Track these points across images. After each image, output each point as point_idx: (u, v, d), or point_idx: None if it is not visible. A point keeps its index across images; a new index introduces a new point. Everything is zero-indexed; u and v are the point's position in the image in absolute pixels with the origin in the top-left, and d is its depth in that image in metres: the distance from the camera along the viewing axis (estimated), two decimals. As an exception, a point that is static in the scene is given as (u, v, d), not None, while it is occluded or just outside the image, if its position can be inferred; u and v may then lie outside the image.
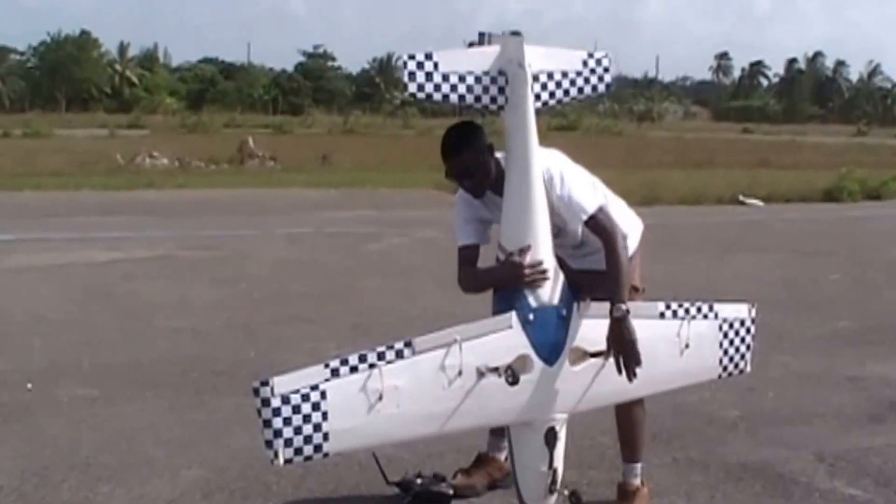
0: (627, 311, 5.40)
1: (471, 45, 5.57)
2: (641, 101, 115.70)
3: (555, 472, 5.47)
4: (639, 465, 6.35)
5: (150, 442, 7.52)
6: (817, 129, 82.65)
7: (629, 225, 6.22)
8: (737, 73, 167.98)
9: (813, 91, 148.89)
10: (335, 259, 16.80)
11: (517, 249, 5.33)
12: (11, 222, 20.47)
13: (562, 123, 76.05)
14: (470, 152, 5.70)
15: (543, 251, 5.36)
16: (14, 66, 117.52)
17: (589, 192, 5.76)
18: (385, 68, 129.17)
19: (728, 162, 38.97)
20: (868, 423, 8.16)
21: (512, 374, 5.05)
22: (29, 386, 8.96)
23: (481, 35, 5.37)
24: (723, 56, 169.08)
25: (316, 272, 15.36)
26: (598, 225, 5.64)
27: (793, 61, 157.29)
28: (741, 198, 27.34)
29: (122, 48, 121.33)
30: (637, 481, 6.33)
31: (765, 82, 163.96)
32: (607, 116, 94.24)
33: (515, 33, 5.36)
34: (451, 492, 6.35)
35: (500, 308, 5.31)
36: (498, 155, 5.79)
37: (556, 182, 5.59)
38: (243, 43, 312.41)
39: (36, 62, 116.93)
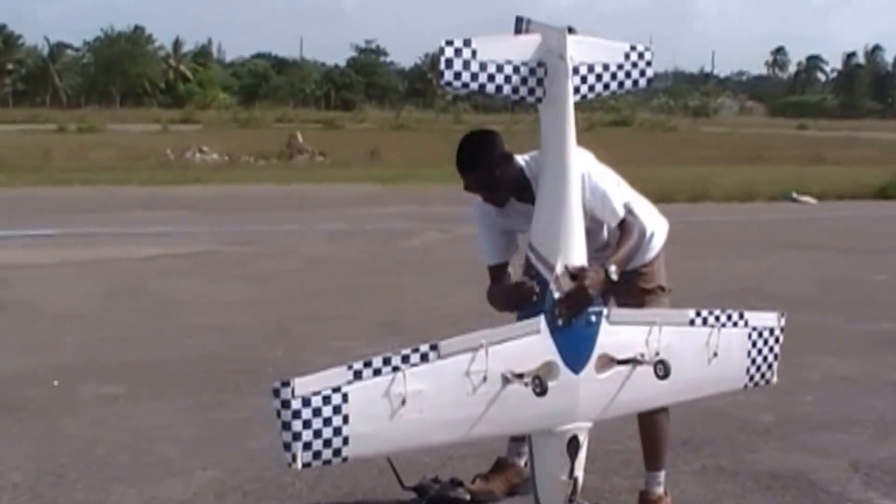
0: (613, 281, 5.17)
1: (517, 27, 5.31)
2: (697, 97, 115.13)
3: (575, 481, 5.28)
4: (662, 474, 6.09)
5: (168, 442, 7.41)
6: (875, 124, 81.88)
7: (655, 225, 6.03)
8: (793, 68, 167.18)
9: (871, 86, 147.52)
10: (372, 255, 16.72)
11: (556, 274, 5.11)
12: (57, 217, 20.55)
13: (615, 119, 75.92)
14: (486, 166, 5.55)
15: (578, 254, 5.13)
16: (70, 62, 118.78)
17: (618, 193, 5.59)
18: (437, 64, 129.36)
19: (781, 158, 38.61)
20: (909, 429, 7.90)
21: (539, 384, 4.84)
22: (56, 383, 8.91)
23: (518, 20, 5.12)
24: (778, 51, 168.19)
25: (351, 269, 15.26)
26: (627, 226, 5.48)
27: (851, 55, 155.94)
28: (793, 195, 26.93)
29: (176, 44, 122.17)
30: (660, 490, 6.08)
31: (822, 77, 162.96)
32: (662, 112, 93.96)
33: (570, 30, 5.11)
34: (467, 497, 6.18)
35: (527, 311, 5.11)
36: (519, 159, 5.63)
37: (590, 182, 5.40)
38: (296, 38, 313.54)
39: (91, 58, 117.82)
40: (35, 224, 19.24)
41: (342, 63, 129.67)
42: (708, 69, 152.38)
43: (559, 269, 5.01)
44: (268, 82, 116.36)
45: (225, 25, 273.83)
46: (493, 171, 5.52)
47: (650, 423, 6.02)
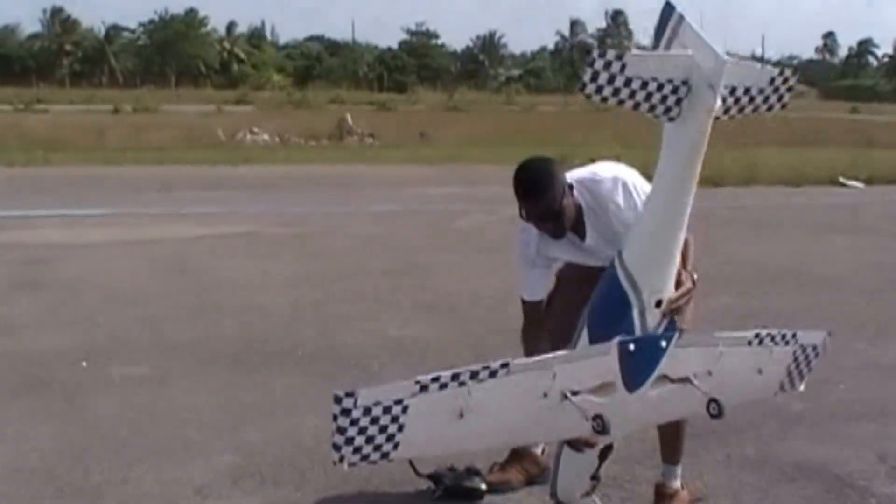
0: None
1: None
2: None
3: (598, 479, 5.23)
4: (679, 467, 5.95)
5: (191, 424, 7.37)
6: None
7: None
8: (843, 52, 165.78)
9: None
10: (417, 236, 16.65)
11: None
12: (107, 196, 20.78)
13: (671, 100, 75.60)
14: (551, 195, 5.23)
15: (670, 284, 5.00)
16: (126, 43, 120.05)
17: None
18: (488, 46, 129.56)
19: (832, 142, 38.21)
20: (942, 420, 7.73)
21: (601, 424, 4.74)
22: (84, 363, 8.91)
23: (668, 7, 4.82)
24: (829, 35, 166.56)
25: (395, 250, 15.19)
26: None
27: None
28: (841, 179, 26.64)
29: (230, 26, 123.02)
30: (677, 483, 5.93)
31: (873, 62, 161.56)
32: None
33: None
34: (483, 486, 6.09)
35: (599, 330, 4.94)
36: (572, 184, 5.36)
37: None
38: (348, 21, 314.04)
39: (146, 40, 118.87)
40: (84, 203, 19.38)
41: (394, 46, 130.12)
42: (759, 53, 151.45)
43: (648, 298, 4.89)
44: (321, 64, 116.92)
45: (278, 8, 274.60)
46: (558, 198, 5.24)
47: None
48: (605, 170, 5.46)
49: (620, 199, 5.32)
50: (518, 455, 6.31)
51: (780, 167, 27.49)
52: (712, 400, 4.79)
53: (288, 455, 6.73)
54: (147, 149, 30.73)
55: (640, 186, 5.36)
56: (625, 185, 5.35)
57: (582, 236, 5.37)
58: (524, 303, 5.62)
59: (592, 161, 5.75)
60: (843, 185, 26.31)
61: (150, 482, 6.30)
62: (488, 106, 68.47)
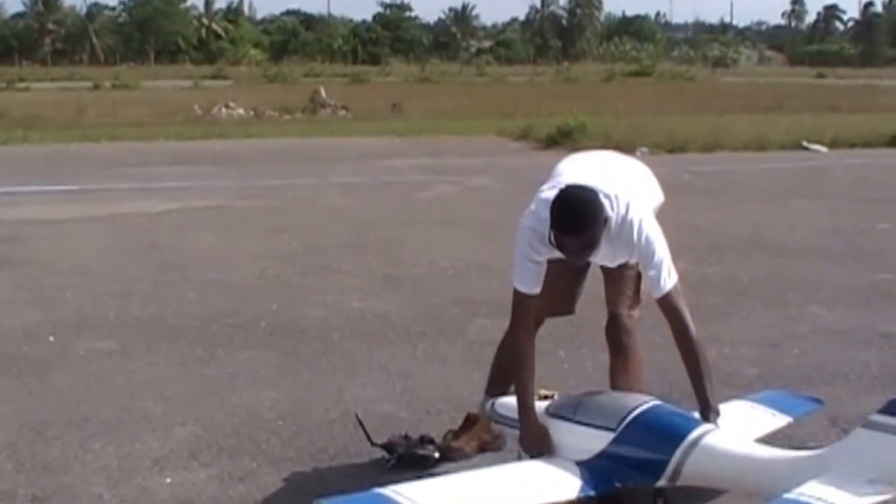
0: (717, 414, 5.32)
1: None
2: (716, 47, 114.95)
3: None
4: None
5: (153, 397, 7.44)
6: (894, 72, 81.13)
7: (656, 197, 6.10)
8: (811, 18, 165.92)
9: (890, 34, 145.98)
10: (384, 208, 16.77)
11: None
12: (82, 172, 20.82)
13: (635, 69, 75.77)
14: (595, 228, 5.28)
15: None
16: (107, 21, 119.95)
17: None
18: (460, 18, 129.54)
19: (798, 107, 38.25)
20: (893, 383, 7.72)
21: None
22: (51, 338, 8.99)
23: None
24: (796, 1, 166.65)
25: (361, 222, 15.24)
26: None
27: (869, 4, 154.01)
28: (804, 143, 26.77)
29: (208, 2, 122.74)
30: None
31: (840, 27, 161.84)
32: (682, 62, 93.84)
33: None
34: (436, 455, 6.16)
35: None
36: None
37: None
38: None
39: (127, 17, 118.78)
40: (59, 180, 19.44)
41: (369, 19, 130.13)
42: (727, 20, 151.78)
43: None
44: (297, 38, 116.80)
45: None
46: (600, 230, 5.30)
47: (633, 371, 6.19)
48: (635, 209, 5.48)
49: (635, 240, 5.46)
50: (471, 422, 6.40)
51: (745, 133, 27.55)
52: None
53: (246, 427, 6.80)
54: (124, 125, 30.75)
55: (650, 228, 5.49)
56: (642, 233, 5.45)
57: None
58: (521, 295, 5.58)
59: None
60: (806, 149, 26.45)
61: (110, 455, 6.36)
62: (459, 77, 68.60)
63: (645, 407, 5.18)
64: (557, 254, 5.43)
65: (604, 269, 5.97)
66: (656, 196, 6.09)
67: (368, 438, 6.14)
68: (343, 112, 36.59)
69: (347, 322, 9.51)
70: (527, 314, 5.58)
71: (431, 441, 6.24)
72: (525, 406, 5.49)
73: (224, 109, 35.77)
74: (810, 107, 38.29)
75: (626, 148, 24.13)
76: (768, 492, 4.65)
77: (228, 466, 6.20)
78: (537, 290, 5.53)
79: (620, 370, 6.18)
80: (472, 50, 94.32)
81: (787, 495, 4.27)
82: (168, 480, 6.00)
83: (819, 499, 4.18)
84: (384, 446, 6.17)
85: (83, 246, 13.31)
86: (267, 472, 6.10)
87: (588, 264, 5.87)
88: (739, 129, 27.99)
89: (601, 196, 5.33)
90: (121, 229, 14.63)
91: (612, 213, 5.37)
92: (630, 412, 5.14)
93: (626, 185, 5.61)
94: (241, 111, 35.80)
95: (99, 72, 67.95)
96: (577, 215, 5.24)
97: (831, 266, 12.05)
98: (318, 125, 32.38)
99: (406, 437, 6.25)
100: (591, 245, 5.31)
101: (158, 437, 6.67)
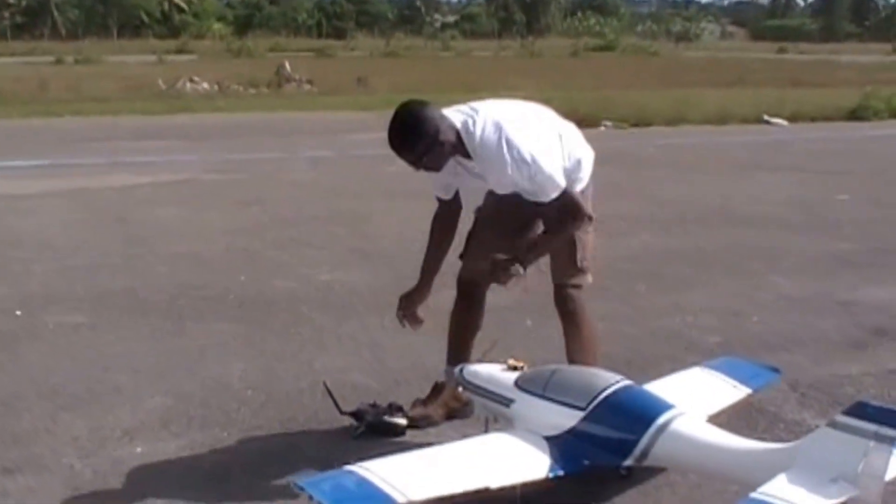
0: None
1: None
2: (679, 22, 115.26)
3: None
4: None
5: (123, 370, 7.48)
6: (855, 47, 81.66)
7: (581, 155, 6.17)
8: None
9: (850, 9, 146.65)
10: (350, 182, 16.82)
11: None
12: (47, 148, 20.69)
13: (599, 44, 75.91)
14: (418, 146, 5.68)
15: None
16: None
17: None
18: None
19: (759, 81, 38.47)
20: (850, 349, 7.96)
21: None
22: (18, 312, 9.01)
23: None
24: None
25: (328, 195, 15.35)
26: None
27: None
28: (765, 117, 27.06)
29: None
30: None
31: (801, 2, 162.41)
32: (646, 37, 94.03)
33: None
34: (403, 422, 6.24)
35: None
36: (456, 117, 5.73)
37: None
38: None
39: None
40: (24, 155, 19.33)
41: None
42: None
43: None
44: (261, 12, 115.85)
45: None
46: (426, 146, 5.65)
47: (577, 338, 6.30)
48: (496, 126, 5.69)
49: (497, 161, 5.66)
50: (439, 391, 6.50)
51: (708, 107, 27.78)
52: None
53: (216, 398, 6.87)
54: (88, 100, 30.57)
55: (527, 151, 5.63)
56: (509, 147, 5.63)
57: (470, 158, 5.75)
58: (438, 199, 6.23)
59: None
60: (767, 123, 26.75)
61: (80, 426, 6.40)
62: (425, 52, 68.52)
63: (616, 387, 5.24)
64: (453, 177, 6.01)
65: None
66: (577, 147, 6.16)
67: (337, 407, 6.22)
68: (308, 86, 36.53)
69: (316, 294, 9.60)
70: (443, 209, 6.32)
71: (400, 409, 6.32)
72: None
73: (189, 84, 35.64)
74: (771, 81, 38.53)
75: (592, 121, 24.37)
76: (732, 480, 4.83)
77: (199, 436, 6.25)
78: (449, 195, 6.18)
79: (571, 339, 6.31)
80: (437, 24, 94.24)
81: (752, 495, 4.32)
82: (139, 450, 6.05)
83: (784, 499, 4.25)
84: (353, 414, 6.24)
85: (50, 220, 13.30)
86: (237, 441, 6.16)
87: (529, 221, 6.08)
88: (702, 103, 28.20)
89: (452, 113, 5.76)
90: (88, 204, 14.61)
91: (473, 128, 5.66)
92: (601, 392, 5.20)
93: (515, 116, 5.82)
94: (205, 85, 35.67)
95: (61, 46, 67.28)
96: (395, 133, 5.73)
97: (792, 236, 12.29)
98: (284, 99, 32.34)
99: (374, 405, 6.32)
100: (423, 158, 5.72)
101: (129, 408, 6.72)
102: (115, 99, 31.17)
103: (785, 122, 26.78)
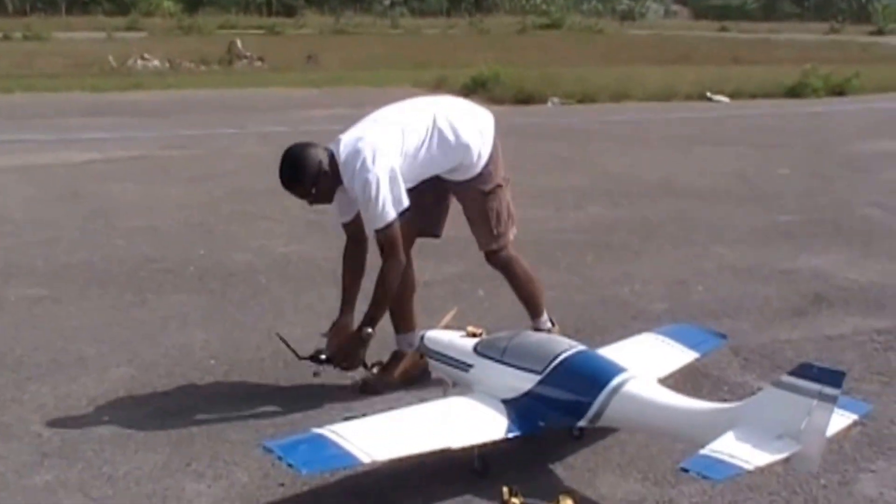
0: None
1: None
2: (624, 1, 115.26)
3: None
4: (544, 315, 6.99)
5: (86, 341, 7.63)
6: (794, 26, 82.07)
7: (482, 124, 6.66)
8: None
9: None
10: (304, 157, 16.74)
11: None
12: (-2, 124, 20.56)
13: (545, 22, 75.90)
14: (302, 185, 6.34)
15: None
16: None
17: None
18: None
19: (702, 59, 38.73)
20: (791, 316, 8.23)
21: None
22: (-21, 286, 9.09)
23: None
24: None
25: (282, 170, 15.29)
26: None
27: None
28: (708, 94, 27.39)
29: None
30: (548, 324, 7.00)
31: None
32: (591, 15, 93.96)
33: None
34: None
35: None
36: (331, 147, 6.31)
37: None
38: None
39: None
40: (-27, 132, 19.23)
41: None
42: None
43: None
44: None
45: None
46: (310, 186, 6.32)
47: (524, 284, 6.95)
48: (355, 151, 6.24)
49: (349, 182, 6.25)
50: (398, 357, 6.72)
51: (652, 83, 28.01)
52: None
53: (180, 367, 7.04)
54: (38, 76, 30.41)
55: (374, 173, 6.13)
56: (362, 161, 6.16)
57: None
58: (343, 226, 6.67)
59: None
60: (709, 99, 27.08)
61: (46, 395, 6.56)
62: (374, 29, 68.28)
63: (571, 352, 5.48)
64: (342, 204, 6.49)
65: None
66: (466, 129, 6.55)
67: (294, 353, 6.47)
68: (259, 63, 36.48)
69: (274, 265, 9.78)
70: (349, 236, 6.70)
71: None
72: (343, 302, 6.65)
73: (140, 61, 35.51)
74: (714, 59, 38.83)
75: (539, 98, 24.55)
76: (682, 439, 5.04)
77: (165, 404, 6.42)
78: (346, 219, 6.59)
79: (513, 283, 6.97)
80: (386, 2, 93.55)
81: (702, 451, 4.55)
82: (105, 418, 6.20)
83: (732, 455, 4.48)
84: (311, 358, 6.46)
85: (5, 196, 13.38)
86: (201, 408, 6.32)
87: (445, 192, 6.69)
88: (647, 80, 28.42)
89: (320, 150, 6.35)
90: (43, 179, 14.68)
91: (339, 153, 6.27)
92: (557, 356, 5.43)
93: (379, 134, 6.34)
94: (156, 63, 35.55)
95: (8, 22, 66.33)
96: (282, 174, 6.38)
97: (735, 208, 12.59)
98: (236, 76, 32.29)
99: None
100: (309, 194, 6.40)
101: (94, 377, 6.88)
102: (66, 76, 30.95)
103: (727, 99, 27.15)
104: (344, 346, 6.38)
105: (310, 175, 6.23)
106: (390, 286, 6.28)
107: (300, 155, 6.29)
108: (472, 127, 6.54)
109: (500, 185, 6.65)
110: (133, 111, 23.21)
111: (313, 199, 6.41)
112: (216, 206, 12.71)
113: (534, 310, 6.98)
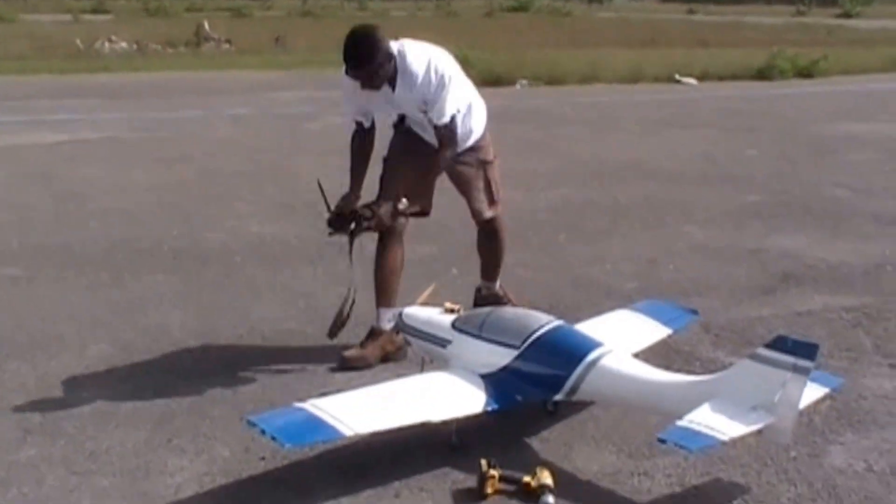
0: None
1: None
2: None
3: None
4: (497, 281, 7.57)
5: (64, 320, 7.70)
6: (761, 9, 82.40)
7: (480, 103, 7.12)
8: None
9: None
10: (274, 139, 16.99)
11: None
12: (-36, 106, 20.46)
13: (513, 4, 75.87)
14: (371, 64, 6.36)
15: None
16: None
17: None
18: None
19: (669, 41, 38.82)
20: (760, 294, 8.37)
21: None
22: (-47, 267, 9.13)
23: None
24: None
25: (253, 152, 15.54)
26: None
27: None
28: (676, 76, 27.53)
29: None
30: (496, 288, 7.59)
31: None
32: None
33: None
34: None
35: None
36: (393, 47, 6.42)
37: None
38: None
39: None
40: (-60, 114, 19.17)
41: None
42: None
43: None
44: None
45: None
46: (377, 69, 6.39)
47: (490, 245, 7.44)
48: (426, 52, 6.59)
49: (423, 77, 6.49)
50: (376, 334, 6.82)
51: (620, 66, 28.10)
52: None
53: (158, 345, 7.11)
54: (4, 59, 30.22)
55: (448, 75, 6.53)
56: (435, 69, 6.48)
57: (393, 89, 6.55)
58: (356, 123, 6.93)
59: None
60: (678, 82, 27.21)
61: (27, 373, 6.61)
62: (342, 12, 68.04)
63: (549, 327, 5.59)
64: (369, 99, 6.69)
65: (452, 179, 7.15)
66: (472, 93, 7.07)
67: (327, 206, 6.86)
68: (227, 46, 36.36)
69: (248, 246, 9.85)
70: (357, 132, 6.99)
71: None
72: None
73: (107, 44, 35.34)
74: (681, 41, 38.93)
75: (507, 80, 24.60)
76: (658, 412, 5.15)
77: (144, 381, 6.49)
78: (358, 118, 6.88)
79: (492, 252, 7.55)
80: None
81: (678, 423, 4.67)
82: (86, 395, 6.25)
83: (708, 426, 4.60)
84: (338, 215, 6.86)
85: (-26, 178, 13.34)
86: (181, 385, 6.39)
87: (435, 168, 6.85)
88: (615, 63, 28.49)
89: (390, 41, 6.49)
90: (13, 161, 14.65)
91: (405, 52, 6.52)
92: (534, 331, 5.55)
93: (436, 50, 6.72)
94: (124, 45, 35.39)
95: (-28, 5, 66.26)
96: (354, 50, 6.37)
97: (704, 190, 12.73)
98: (203, 59, 32.19)
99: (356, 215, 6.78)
100: (375, 77, 6.44)
101: (73, 356, 6.93)
102: (33, 58, 30.76)
103: (695, 81, 27.29)
104: (374, 206, 6.67)
105: (382, 54, 6.37)
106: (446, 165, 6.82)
107: (375, 36, 6.44)
108: (476, 93, 7.11)
109: (496, 157, 7.23)
110: (101, 94, 23.13)
111: (372, 82, 6.49)
112: (188, 187, 12.75)
113: (495, 273, 7.56)
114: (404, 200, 6.58)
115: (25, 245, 9.94)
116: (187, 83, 25.53)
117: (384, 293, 6.92)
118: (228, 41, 36.79)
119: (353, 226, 6.66)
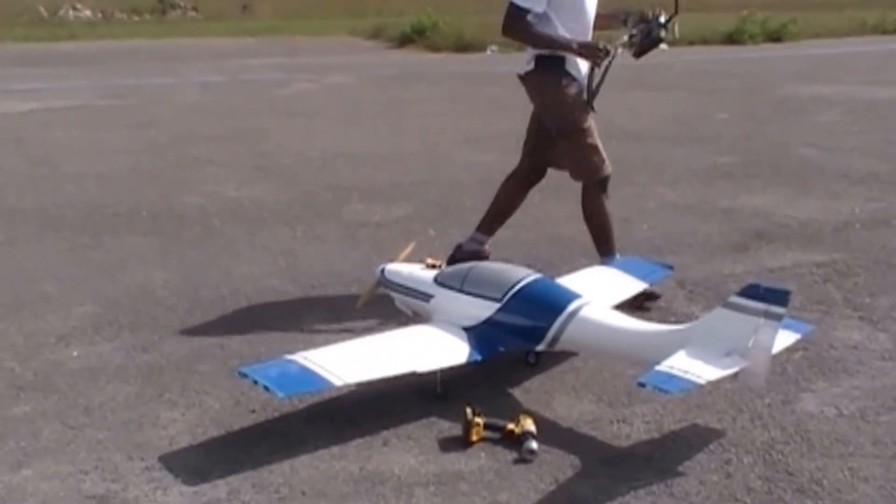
0: None
1: None
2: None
3: None
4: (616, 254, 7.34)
5: (48, 281, 7.78)
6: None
7: None
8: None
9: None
10: (245, 105, 17.08)
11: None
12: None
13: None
14: None
15: None
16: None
17: None
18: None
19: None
20: (732, 251, 8.51)
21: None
22: (-68, 232, 9.19)
23: None
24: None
25: (225, 117, 15.61)
26: None
27: None
28: None
29: None
30: None
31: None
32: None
33: None
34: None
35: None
36: None
37: None
38: None
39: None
40: None
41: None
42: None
43: None
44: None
45: None
46: None
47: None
48: None
49: None
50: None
51: (592, 29, 28.04)
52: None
53: (143, 304, 7.21)
54: (-34, 27, 30.16)
55: None
56: None
57: None
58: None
59: None
60: None
61: (14, 333, 6.70)
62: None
63: (529, 280, 5.75)
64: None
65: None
66: None
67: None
68: (193, 13, 36.31)
69: (225, 208, 9.95)
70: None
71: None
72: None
73: (71, 11, 35.24)
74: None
75: (478, 46, 24.61)
76: (636, 361, 5.28)
77: (131, 339, 6.59)
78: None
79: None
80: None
81: (657, 367, 4.81)
82: (75, 353, 6.36)
83: (685, 370, 4.74)
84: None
85: (-53, 146, 13.35)
86: (168, 342, 6.51)
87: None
88: (587, 27, 28.42)
89: None
90: (-17, 129, 14.64)
91: None
92: (515, 284, 5.71)
93: None
94: (88, 13, 35.29)
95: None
96: None
97: (675, 150, 12.91)
98: (169, 26, 32.16)
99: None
100: None
101: (59, 315, 7.03)
102: (-5, 26, 30.72)
103: (665, 46, 27.17)
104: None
105: None
106: None
107: None
108: None
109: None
110: (68, 61, 23.15)
111: None
112: (162, 152, 12.83)
113: (605, 248, 7.39)
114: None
115: (3, 209, 10.02)
116: (154, 51, 25.56)
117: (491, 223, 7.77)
118: (195, 9, 36.70)
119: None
